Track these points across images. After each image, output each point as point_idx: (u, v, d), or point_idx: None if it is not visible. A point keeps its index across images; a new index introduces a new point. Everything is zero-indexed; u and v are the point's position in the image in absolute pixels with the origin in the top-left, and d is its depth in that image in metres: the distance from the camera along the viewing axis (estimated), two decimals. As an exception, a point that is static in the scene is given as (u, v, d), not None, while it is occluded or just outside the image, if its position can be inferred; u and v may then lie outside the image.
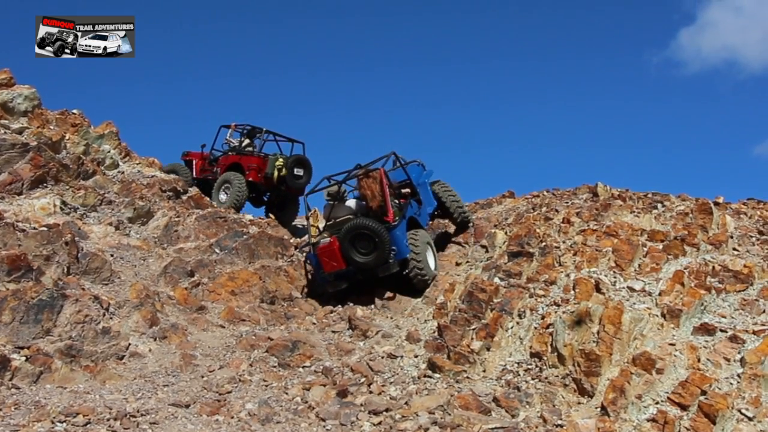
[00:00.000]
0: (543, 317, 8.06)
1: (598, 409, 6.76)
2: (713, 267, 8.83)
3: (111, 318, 8.29)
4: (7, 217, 9.10)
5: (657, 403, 6.71)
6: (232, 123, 14.78)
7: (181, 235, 11.16)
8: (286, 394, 7.28)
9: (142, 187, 11.96)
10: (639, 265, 9.02)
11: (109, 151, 12.53)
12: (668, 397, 6.70)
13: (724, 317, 7.86)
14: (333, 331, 9.11)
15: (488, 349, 7.93)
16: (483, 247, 10.94)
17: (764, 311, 7.92)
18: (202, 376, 7.69)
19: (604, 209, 10.75)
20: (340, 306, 9.93)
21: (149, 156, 13.77)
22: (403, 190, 11.02)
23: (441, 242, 11.74)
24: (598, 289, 8.24)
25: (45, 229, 8.96)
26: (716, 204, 11.01)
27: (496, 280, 9.15)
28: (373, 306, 9.86)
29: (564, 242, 9.88)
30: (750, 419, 6.46)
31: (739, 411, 6.52)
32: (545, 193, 13.02)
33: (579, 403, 6.96)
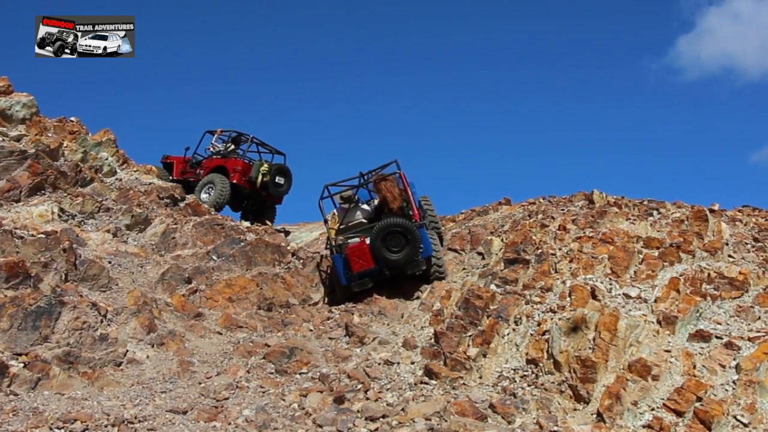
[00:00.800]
0: (539, 324, 8.09)
1: (594, 416, 6.80)
2: (709, 274, 8.88)
3: (109, 325, 8.32)
4: (5, 224, 9.13)
5: (653, 409, 6.75)
6: (217, 129, 15.00)
7: (178, 242, 11.19)
8: (283, 400, 7.30)
9: (139, 195, 11.99)
10: (635, 272, 9.07)
11: (106, 159, 12.57)
12: (664, 404, 6.74)
13: (720, 324, 7.90)
14: (330, 338, 9.14)
15: (484, 356, 7.96)
16: (479, 254, 11.02)
17: (759, 318, 7.97)
18: (200, 383, 7.71)
19: (599, 216, 10.81)
20: (337, 313, 9.96)
21: (147, 163, 13.91)
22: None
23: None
24: (593, 296, 8.29)
25: (43, 236, 9.00)
26: (712, 211, 11.07)
27: (493, 286, 9.19)
28: (370, 313, 9.90)
29: (560, 249, 9.93)
30: (745, 425, 6.50)
31: (735, 417, 6.55)
32: (541, 200, 13.09)
33: (575, 410, 7.00)
